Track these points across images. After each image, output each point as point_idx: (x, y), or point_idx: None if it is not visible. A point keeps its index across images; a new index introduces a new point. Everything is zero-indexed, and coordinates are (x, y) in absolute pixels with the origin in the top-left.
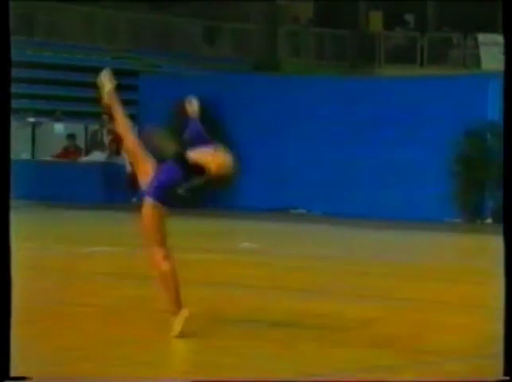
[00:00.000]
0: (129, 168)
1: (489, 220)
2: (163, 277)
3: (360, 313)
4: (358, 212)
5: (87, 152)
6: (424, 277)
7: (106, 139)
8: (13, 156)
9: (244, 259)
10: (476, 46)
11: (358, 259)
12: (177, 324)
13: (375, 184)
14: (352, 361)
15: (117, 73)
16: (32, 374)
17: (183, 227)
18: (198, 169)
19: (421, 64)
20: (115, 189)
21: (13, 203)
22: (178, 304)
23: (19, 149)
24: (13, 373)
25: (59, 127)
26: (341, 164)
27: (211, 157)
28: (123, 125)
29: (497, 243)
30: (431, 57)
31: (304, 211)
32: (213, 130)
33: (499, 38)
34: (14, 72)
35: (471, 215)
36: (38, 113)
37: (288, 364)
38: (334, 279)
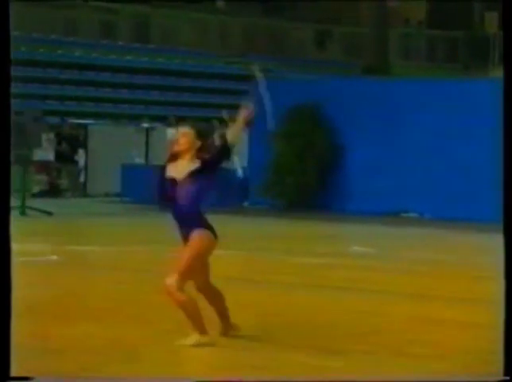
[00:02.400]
0: (240, 172)
1: None
2: (181, 306)
3: (472, 318)
4: (471, 216)
5: None
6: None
7: (218, 144)
8: (127, 161)
9: (355, 262)
10: None
11: (471, 262)
12: (191, 339)
13: (485, 187)
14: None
15: (228, 78)
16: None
17: (295, 231)
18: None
19: None
20: (227, 193)
21: (127, 207)
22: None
23: (133, 154)
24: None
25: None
26: (453, 168)
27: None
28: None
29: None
30: None
31: (415, 215)
32: (323, 134)
33: None
34: (130, 78)
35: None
36: (152, 119)
37: (400, 370)
38: (444, 283)
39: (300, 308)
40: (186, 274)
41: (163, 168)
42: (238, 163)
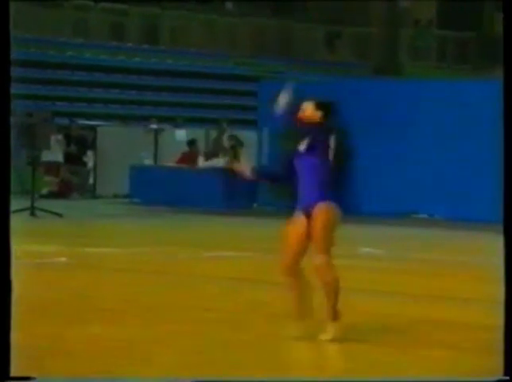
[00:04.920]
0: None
1: None
2: (327, 285)
3: (487, 320)
4: (482, 217)
5: (208, 157)
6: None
7: (227, 145)
8: (136, 161)
9: (365, 264)
10: None
11: (482, 263)
12: (330, 330)
13: (497, 188)
14: (466, 366)
15: (237, 79)
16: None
17: None
18: None
19: None
20: (236, 195)
21: (133, 208)
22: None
23: (142, 155)
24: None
25: (180, 133)
26: (464, 168)
27: None
28: None
29: None
30: None
31: (426, 216)
32: (334, 135)
33: None
34: (139, 80)
35: None
36: (161, 119)
37: (405, 368)
38: (453, 284)
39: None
40: (329, 249)
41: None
42: (246, 164)
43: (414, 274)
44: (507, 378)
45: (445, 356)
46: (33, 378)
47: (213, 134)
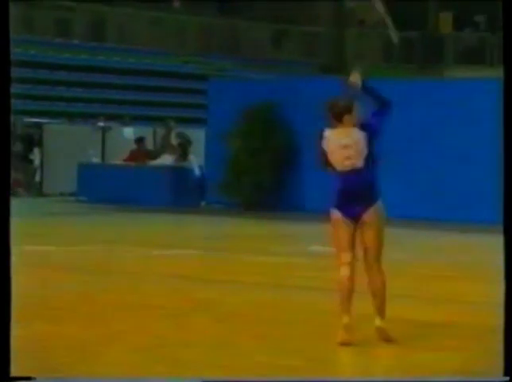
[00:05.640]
0: (197, 171)
1: None
2: (337, 282)
3: (429, 317)
4: (427, 215)
5: (156, 156)
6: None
7: (175, 143)
8: (84, 160)
9: (313, 261)
10: None
11: (434, 263)
12: (339, 331)
13: (449, 188)
14: (425, 364)
15: (185, 77)
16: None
17: (254, 230)
18: None
19: (491, 65)
20: (183, 193)
21: (81, 206)
22: (344, 309)
23: (90, 153)
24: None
25: (128, 131)
26: (406, 168)
27: None
28: None
29: None
30: (501, 58)
31: None
32: (279, 133)
33: None
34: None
35: None
36: (108, 117)
37: (359, 368)
38: (407, 283)
39: (258, 307)
40: (381, 253)
41: (320, 135)
42: (194, 162)
43: (363, 271)
44: (507, 378)
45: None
46: (33, 378)
47: (161, 132)
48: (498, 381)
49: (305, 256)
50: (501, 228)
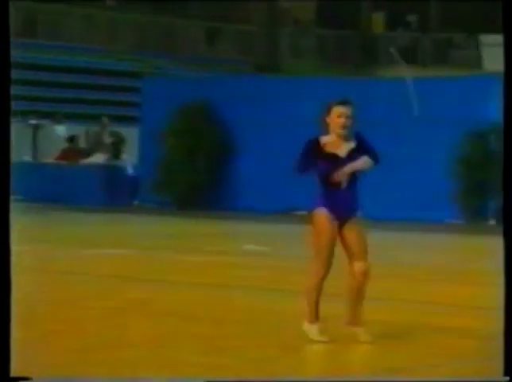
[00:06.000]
0: (130, 170)
1: (492, 222)
2: (306, 289)
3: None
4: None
5: (88, 154)
6: (427, 278)
7: (108, 141)
8: (14, 158)
9: (247, 260)
10: (479, 46)
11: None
12: (365, 332)
13: (376, 184)
14: (362, 362)
15: (119, 75)
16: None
17: (187, 229)
18: None
19: (424, 65)
20: (116, 192)
21: (14, 205)
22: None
23: (20, 151)
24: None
25: (60, 129)
26: None
27: None
28: None
29: (500, 244)
30: (433, 58)
31: (305, 213)
32: (214, 131)
33: (501, 38)
34: (15, 74)
35: (474, 216)
36: (39, 115)
37: (295, 366)
38: (336, 281)
39: (193, 306)
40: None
41: (313, 141)
42: (128, 161)
43: (297, 271)
44: (507, 378)
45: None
46: (33, 378)
47: (94, 130)
48: (498, 381)
49: (239, 255)
50: (453, 226)
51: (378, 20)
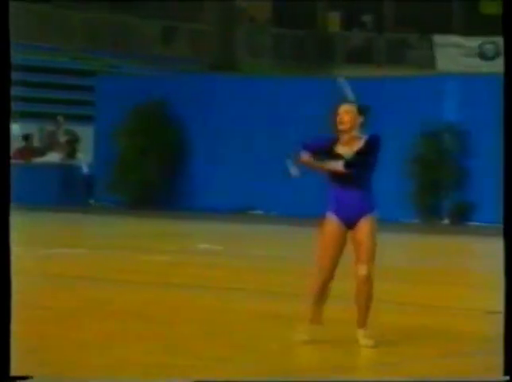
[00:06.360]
0: (85, 169)
1: (446, 221)
2: (367, 294)
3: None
4: (316, 212)
5: (43, 153)
6: (381, 278)
7: (63, 140)
8: None
9: (202, 260)
10: (432, 47)
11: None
12: (368, 335)
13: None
14: (305, 361)
15: (73, 73)
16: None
17: (142, 228)
18: None
19: (379, 65)
20: (72, 191)
21: None
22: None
23: None
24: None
25: (14, 128)
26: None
27: None
28: None
29: (454, 243)
30: (388, 58)
31: (261, 212)
32: (168, 130)
33: (455, 39)
34: None
35: (428, 215)
36: None
37: (250, 366)
38: (292, 280)
39: (147, 305)
40: (373, 262)
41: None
42: (83, 160)
43: (251, 270)
44: (507, 378)
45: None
46: (33, 378)
47: (48, 129)
48: (498, 381)
49: (194, 254)
50: (408, 225)
51: (334, 19)
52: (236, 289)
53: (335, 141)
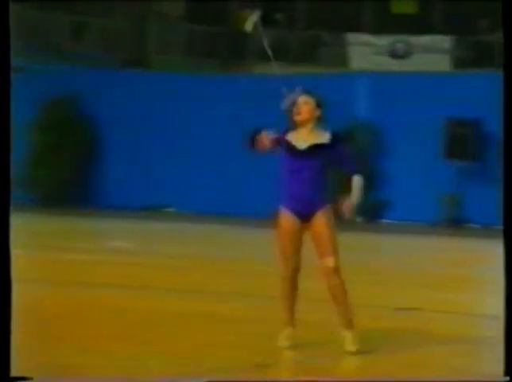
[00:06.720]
0: None
1: (359, 219)
2: (280, 294)
3: (231, 312)
4: (229, 211)
5: None
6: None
7: None
8: None
9: (115, 258)
10: (345, 45)
11: (233, 257)
12: (352, 339)
13: (241, 182)
14: (227, 360)
15: None
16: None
17: (54, 226)
18: None
19: (292, 63)
20: None
21: None
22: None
23: None
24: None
25: None
26: (209, 162)
27: None
28: None
29: (365, 241)
30: (301, 56)
31: (174, 210)
32: (80, 127)
33: (366, 38)
34: None
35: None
36: None
37: (156, 364)
38: (205, 278)
39: (59, 305)
40: (337, 251)
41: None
42: None
43: (165, 267)
44: (507, 378)
45: None
46: (32, 378)
47: None
48: (498, 381)
49: (106, 253)
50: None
51: (247, 17)
52: (147, 287)
53: (288, 132)
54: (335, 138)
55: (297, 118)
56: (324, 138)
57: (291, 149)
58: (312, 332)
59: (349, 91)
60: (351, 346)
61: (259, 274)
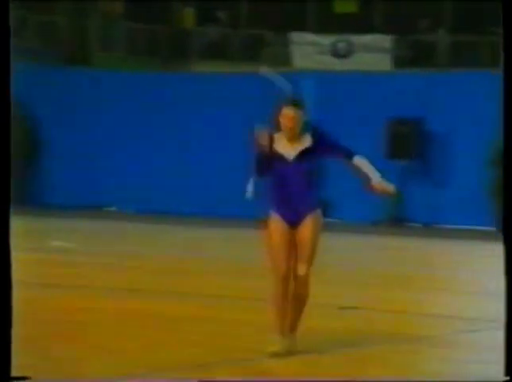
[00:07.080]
0: None
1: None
2: (271, 299)
3: (178, 311)
4: (170, 210)
5: None
6: (221, 273)
7: None
8: None
9: (54, 258)
10: (289, 44)
11: (172, 256)
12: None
13: (181, 180)
14: (168, 360)
15: None
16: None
17: None
18: None
19: (234, 61)
20: None
21: None
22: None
23: None
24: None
25: None
26: (155, 160)
27: None
28: None
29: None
30: (243, 54)
31: (116, 209)
32: (19, 125)
33: (309, 37)
34: None
35: None
36: None
37: (103, 365)
38: (148, 277)
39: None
40: (313, 261)
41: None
42: None
43: (106, 267)
44: (507, 378)
45: None
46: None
47: None
48: (498, 381)
49: (46, 252)
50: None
51: (189, 15)
52: (89, 286)
53: (272, 140)
54: (315, 134)
55: (286, 131)
56: (308, 140)
57: (279, 158)
58: (261, 332)
59: (292, 90)
60: (295, 346)
61: (197, 273)
